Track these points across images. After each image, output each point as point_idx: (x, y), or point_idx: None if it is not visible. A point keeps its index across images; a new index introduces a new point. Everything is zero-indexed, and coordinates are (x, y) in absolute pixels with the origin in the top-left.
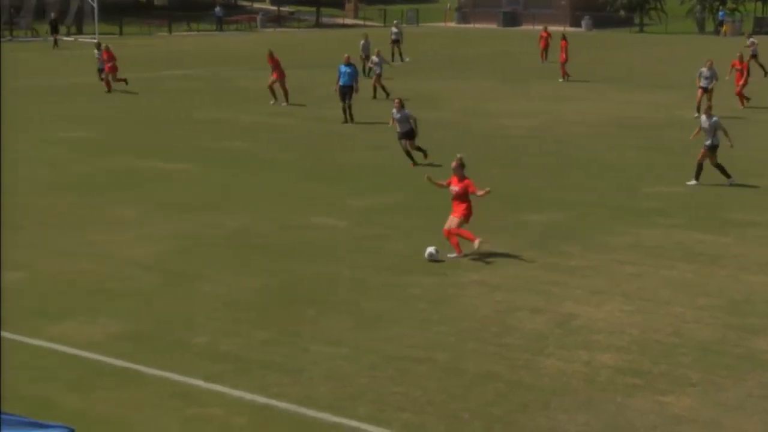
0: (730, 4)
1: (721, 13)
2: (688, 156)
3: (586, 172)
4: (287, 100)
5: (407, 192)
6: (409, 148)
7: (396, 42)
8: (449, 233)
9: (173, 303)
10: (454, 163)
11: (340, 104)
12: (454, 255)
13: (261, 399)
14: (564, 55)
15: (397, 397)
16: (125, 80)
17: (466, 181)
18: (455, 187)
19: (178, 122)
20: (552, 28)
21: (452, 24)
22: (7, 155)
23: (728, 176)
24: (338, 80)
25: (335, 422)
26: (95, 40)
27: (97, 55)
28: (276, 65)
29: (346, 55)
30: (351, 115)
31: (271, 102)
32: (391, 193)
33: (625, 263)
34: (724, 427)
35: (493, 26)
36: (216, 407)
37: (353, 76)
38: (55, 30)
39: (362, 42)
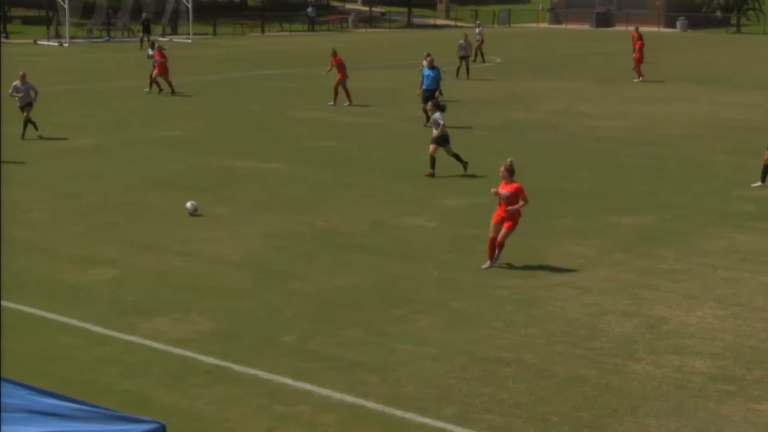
0: None
1: None
2: None
3: (679, 175)
4: (350, 101)
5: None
6: (448, 154)
7: (480, 43)
8: (496, 243)
9: (263, 301)
10: (502, 168)
11: (421, 106)
12: (486, 265)
13: (349, 398)
14: (639, 55)
15: (484, 398)
16: (171, 85)
17: (515, 185)
18: (504, 191)
19: (272, 121)
20: (643, 29)
21: (544, 25)
22: (104, 155)
23: None
24: (421, 83)
25: (422, 422)
26: (189, 40)
27: (149, 54)
28: (339, 65)
29: (429, 58)
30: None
31: (330, 103)
32: (481, 194)
33: (719, 268)
34: None
35: (586, 27)
36: (304, 405)
37: (436, 79)
38: (146, 30)
39: (461, 42)
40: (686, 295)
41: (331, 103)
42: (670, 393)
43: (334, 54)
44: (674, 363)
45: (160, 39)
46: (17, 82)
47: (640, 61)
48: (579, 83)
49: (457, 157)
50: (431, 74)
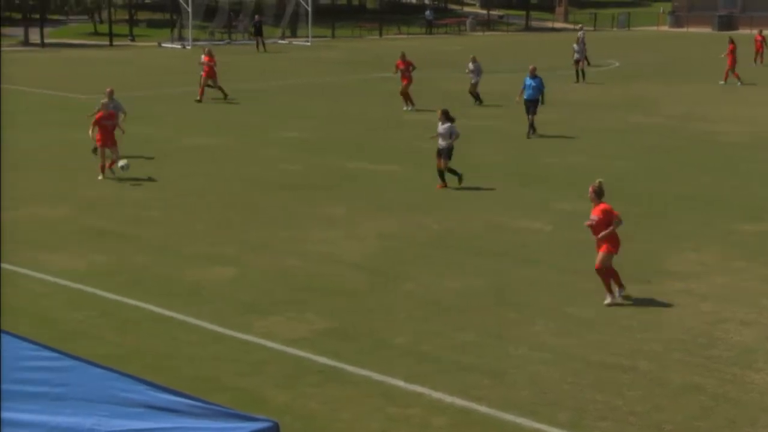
0: None
1: None
2: None
3: None
4: (413, 104)
5: (614, 199)
6: (442, 168)
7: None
8: (601, 273)
9: (377, 302)
10: (590, 190)
11: (528, 117)
12: (608, 301)
13: (460, 401)
14: (731, 59)
15: (598, 405)
16: (222, 90)
17: (603, 206)
18: (594, 216)
19: (388, 123)
20: None
21: (665, 28)
22: (223, 154)
23: None
24: (522, 92)
25: (536, 428)
26: (308, 43)
27: (201, 61)
28: (407, 69)
29: (531, 66)
30: (533, 131)
31: (405, 108)
32: None
33: None
34: None
35: (708, 30)
36: (416, 407)
37: (539, 89)
38: (258, 32)
39: (574, 46)
40: None
41: (407, 107)
42: None
43: (403, 57)
44: None
45: (280, 41)
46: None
47: (732, 65)
48: (700, 86)
49: (452, 171)
50: (533, 83)
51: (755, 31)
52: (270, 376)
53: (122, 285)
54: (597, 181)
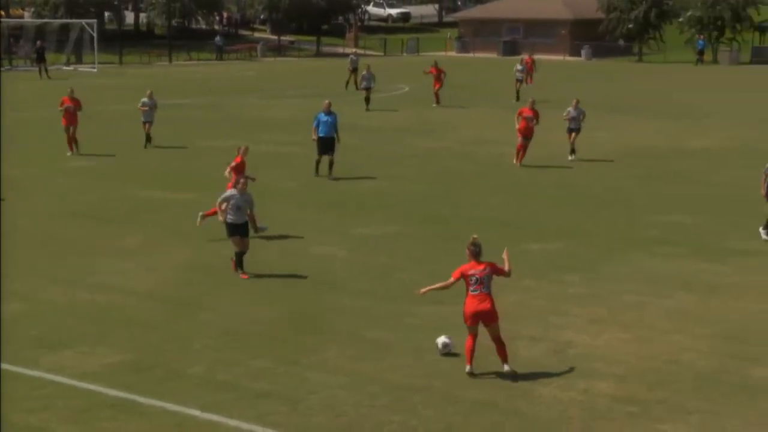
0: (728, 34)
1: (700, 42)
2: (694, 184)
3: (587, 201)
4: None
5: (409, 222)
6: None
7: (354, 71)
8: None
9: (172, 333)
10: (468, 249)
11: (316, 157)
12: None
13: (258, 428)
14: (437, 83)
15: (393, 426)
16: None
17: (490, 264)
18: (478, 270)
19: (182, 151)
20: (549, 57)
21: (453, 53)
22: (13, 184)
23: None
24: (316, 129)
25: None
26: (94, 69)
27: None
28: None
29: (326, 101)
30: (331, 171)
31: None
32: (390, 222)
33: (625, 292)
34: None
35: (494, 55)
36: None
37: (334, 125)
38: (41, 58)
39: (364, 73)
40: (593, 319)
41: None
42: (577, 416)
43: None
44: (581, 386)
45: (65, 68)
46: None
47: (438, 86)
48: (488, 111)
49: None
50: (329, 119)
51: (538, 57)
52: (60, 411)
53: None
54: (473, 238)
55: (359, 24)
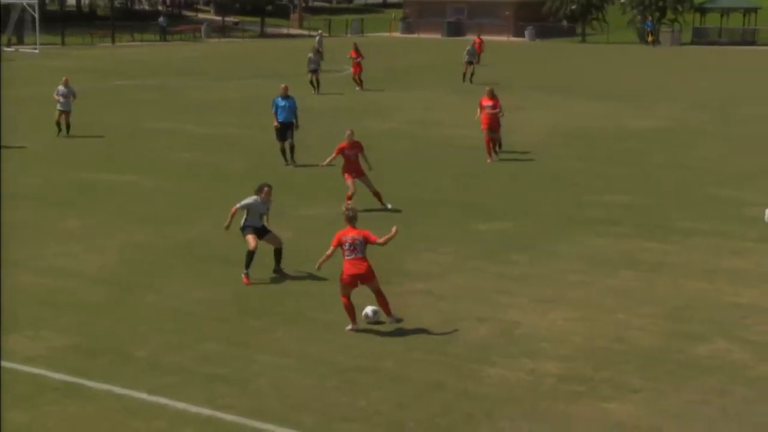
0: (669, 15)
1: (648, 23)
2: (637, 165)
3: (533, 182)
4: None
5: (356, 204)
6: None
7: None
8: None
9: (118, 316)
10: (344, 216)
11: (278, 144)
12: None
13: (206, 411)
14: (357, 67)
15: (343, 407)
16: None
17: (363, 232)
18: (350, 237)
19: (128, 133)
20: (493, 38)
21: (397, 34)
22: None
23: None
24: (275, 115)
25: None
26: (36, 50)
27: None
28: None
29: (283, 85)
30: (293, 157)
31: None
32: (334, 203)
33: (571, 271)
34: None
35: (438, 36)
36: (161, 420)
37: (293, 109)
38: None
39: (310, 55)
40: (540, 299)
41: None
42: (524, 396)
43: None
44: (527, 366)
45: (6, 49)
46: None
47: (358, 71)
48: (432, 92)
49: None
50: (286, 104)
51: (484, 37)
52: (7, 396)
53: None
54: (347, 205)
55: (303, 4)
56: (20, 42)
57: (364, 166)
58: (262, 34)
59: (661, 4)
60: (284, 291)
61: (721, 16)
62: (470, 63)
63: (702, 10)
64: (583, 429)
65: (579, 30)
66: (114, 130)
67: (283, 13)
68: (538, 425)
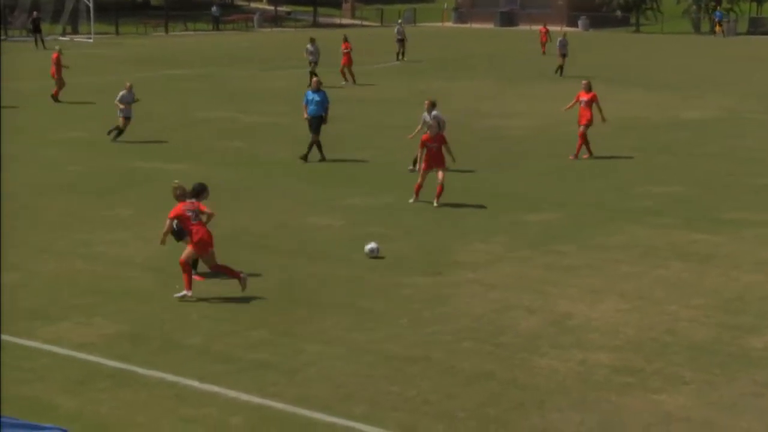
0: (725, 4)
1: (718, 14)
2: (687, 155)
3: (582, 172)
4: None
5: (402, 193)
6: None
7: (401, 41)
8: (182, 264)
9: (168, 303)
10: (174, 195)
11: (311, 137)
12: (181, 294)
13: (256, 399)
14: (346, 58)
15: (392, 396)
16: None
17: (195, 203)
18: (188, 207)
19: (178, 122)
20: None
21: (449, 24)
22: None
23: None
24: (305, 108)
25: (330, 422)
26: (90, 40)
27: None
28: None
29: (315, 79)
30: (310, 151)
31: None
32: (386, 193)
33: (621, 262)
34: (717, 425)
35: (490, 26)
36: (211, 407)
37: (322, 104)
38: (36, 29)
39: (308, 47)
40: (589, 290)
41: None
42: (574, 386)
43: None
44: (578, 357)
45: (61, 38)
46: None
47: (347, 64)
48: (484, 82)
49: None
50: (316, 98)
51: (536, 28)
52: (58, 382)
53: None
54: (175, 182)
55: None
56: (75, 31)
57: (447, 158)
58: (315, 24)
59: None
60: (331, 280)
61: None
62: (564, 56)
63: (759, 0)
64: (633, 420)
65: (633, 20)
66: (164, 118)
67: (335, 2)
68: (588, 416)
